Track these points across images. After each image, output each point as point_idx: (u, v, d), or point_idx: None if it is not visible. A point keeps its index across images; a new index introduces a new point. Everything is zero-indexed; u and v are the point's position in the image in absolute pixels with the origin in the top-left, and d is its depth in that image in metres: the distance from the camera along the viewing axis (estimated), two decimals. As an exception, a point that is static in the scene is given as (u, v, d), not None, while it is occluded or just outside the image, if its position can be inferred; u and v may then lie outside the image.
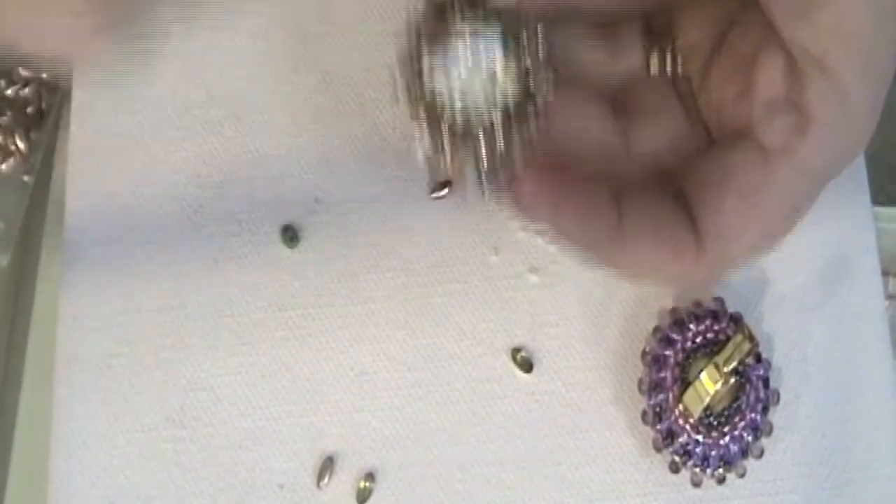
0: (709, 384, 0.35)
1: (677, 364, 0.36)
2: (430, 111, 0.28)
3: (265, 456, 0.37)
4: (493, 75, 0.28)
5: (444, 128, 0.28)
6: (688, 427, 0.36)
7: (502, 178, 0.29)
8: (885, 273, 0.40)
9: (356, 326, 0.38)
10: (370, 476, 0.37)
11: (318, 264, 0.39)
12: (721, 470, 0.36)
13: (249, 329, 0.38)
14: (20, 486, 0.39)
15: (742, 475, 0.37)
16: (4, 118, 0.40)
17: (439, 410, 0.38)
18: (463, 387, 0.38)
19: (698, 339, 0.37)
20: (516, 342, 0.38)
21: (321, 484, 0.37)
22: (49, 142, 0.41)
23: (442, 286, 0.39)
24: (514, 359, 0.38)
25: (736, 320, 0.37)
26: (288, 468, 0.37)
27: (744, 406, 0.36)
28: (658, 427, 0.36)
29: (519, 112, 0.28)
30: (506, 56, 0.28)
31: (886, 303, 0.41)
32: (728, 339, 0.36)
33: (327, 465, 0.37)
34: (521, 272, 0.39)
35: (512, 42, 0.28)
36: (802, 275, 0.39)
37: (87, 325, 0.38)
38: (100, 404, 0.38)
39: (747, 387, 0.36)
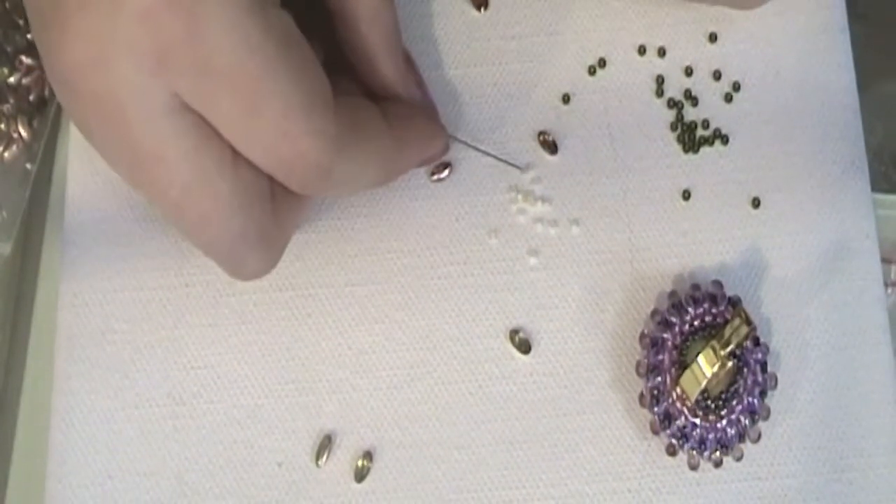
0: (706, 367, 0.35)
1: (675, 347, 0.37)
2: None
3: (264, 434, 0.38)
4: None
5: None
6: (685, 410, 0.36)
7: None
8: (886, 261, 0.40)
9: (356, 307, 0.39)
10: (368, 455, 0.37)
11: (318, 245, 0.39)
12: (718, 453, 0.36)
13: (250, 308, 0.39)
14: (24, 470, 0.40)
15: (739, 459, 0.37)
16: (7, 106, 0.40)
17: (437, 390, 0.38)
18: (461, 367, 0.38)
19: (696, 323, 0.37)
20: (514, 324, 0.38)
21: (319, 462, 0.37)
22: (51, 129, 0.41)
23: (441, 268, 0.39)
24: (513, 340, 0.38)
25: (734, 304, 0.37)
26: (286, 446, 0.38)
27: (741, 390, 0.36)
28: (655, 409, 0.36)
29: None
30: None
31: (889, 290, 0.41)
32: (726, 322, 0.36)
33: (325, 444, 0.37)
34: (519, 254, 0.39)
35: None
36: (802, 260, 0.39)
37: (87, 301, 0.39)
38: (100, 380, 0.38)
39: (745, 370, 0.36)
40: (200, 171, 0.30)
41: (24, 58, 0.41)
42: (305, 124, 0.30)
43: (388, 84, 0.36)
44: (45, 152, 0.41)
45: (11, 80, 0.40)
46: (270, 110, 0.29)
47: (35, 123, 0.41)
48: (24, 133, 0.40)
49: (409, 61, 0.38)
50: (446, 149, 0.38)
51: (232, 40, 0.28)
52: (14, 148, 0.40)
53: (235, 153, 0.30)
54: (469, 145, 0.39)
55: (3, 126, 0.40)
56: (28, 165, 0.40)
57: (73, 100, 0.30)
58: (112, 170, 0.32)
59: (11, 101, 0.40)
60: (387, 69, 0.36)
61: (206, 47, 0.28)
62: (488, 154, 0.39)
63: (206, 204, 0.30)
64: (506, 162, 0.39)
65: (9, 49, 0.41)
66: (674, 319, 0.37)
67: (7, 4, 0.41)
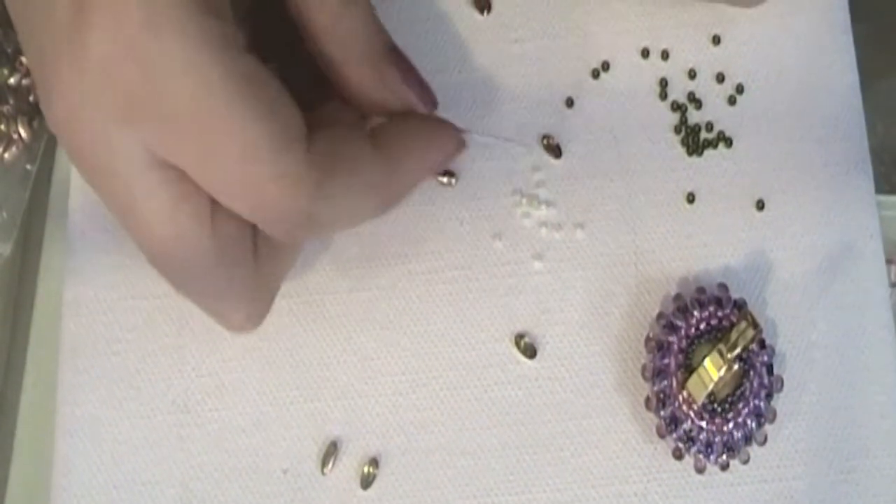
0: (712, 370, 0.35)
1: (681, 350, 0.36)
2: None
3: (269, 441, 0.38)
4: None
5: None
6: (691, 413, 0.36)
7: None
8: (889, 261, 0.40)
9: (360, 313, 0.38)
10: (374, 461, 0.37)
11: (321, 251, 0.39)
12: (725, 456, 0.36)
13: (254, 315, 0.38)
14: (24, 471, 0.40)
15: (746, 461, 0.37)
16: (7, 106, 0.40)
17: (443, 396, 0.38)
18: (466, 372, 0.38)
19: (702, 326, 0.37)
20: (520, 328, 0.38)
21: (325, 469, 0.37)
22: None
23: (445, 272, 0.39)
24: (518, 345, 0.38)
25: (740, 307, 0.37)
26: (292, 453, 0.37)
27: (747, 392, 0.36)
28: (662, 413, 0.36)
29: None
30: None
31: (892, 291, 0.41)
32: (732, 325, 0.36)
33: (331, 451, 0.37)
34: (524, 258, 0.39)
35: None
36: (806, 262, 0.39)
37: (91, 310, 0.38)
38: (104, 390, 0.38)
39: (751, 373, 0.36)
40: (178, 227, 0.29)
41: (24, 58, 0.41)
42: (270, 168, 0.29)
43: (366, 93, 0.34)
44: (45, 153, 0.41)
45: (11, 80, 0.40)
46: (231, 156, 0.28)
47: (35, 124, 0.41)
48: (24, 134, 0.40)
49: (394, 57, 0.34)
50: (461, 146, 0.36)
51: (188, 84, 0.27)
52: (14, 148, 0.40)
53: (215, 208, 0.29)
54: (476, 136, 0.39)
55: (3, 127, 0.40)
56: (28, 166, 0.40)
57: (67, 153, 0.30)
58: None
59: (11, 101, 0.40)
60: (358, 77, 0.33)
61: (163, 93, 0.27)
62: (496, 138, 0.39)
63: (185, 261, 0.30)
64: (512, 141, 0.39)
65: (9, 50, 0.41)
66: (679, 323, 0.37)
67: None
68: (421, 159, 0.35)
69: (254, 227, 0.31)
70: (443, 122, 0.36)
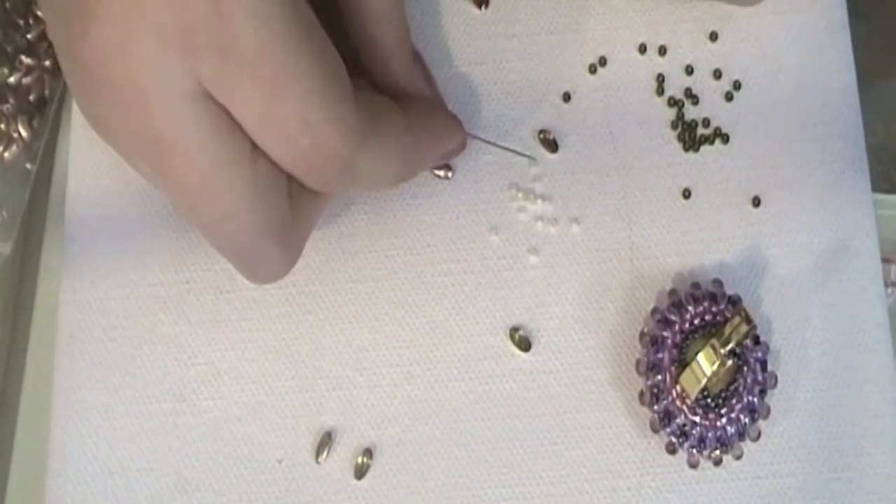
0: (706, 365, 0.35)
1: (675, 345, 0.37)
2: None
3: (264, 430, 0.38)
4: None
5: None
6: (685, 408, 0.36)
7: None
8: (886, 260, 0.40)
9: (356, 304, 0.39)
10: (368, 452, 0.37)
11: (318, 242, 0.39)
12: (718, 451, 0.36)
13: (250, 305, 0.39)
14: (24, 471, 0.40)
15: (739, 457, 0.37)
16: (7, 105, 0.40)
17: (437, 388, 0.38)
18: (461, 365, 0.38)
19: (696, 321, 0.37)
20: (515, 321, 0.38)
21: (319, 459, 0.38)
22: (51, 129, 0.41)
23: (441, 265, 0.39)
24: (513, 338, 0.38)
25: (734, 303, 0.37)
26: (286, 443, 0.38)
27: (741, 388, 0.36)
28: (655, 408, 0.36)
29: None
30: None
31: (889, 290, 0.41)
32: (726, 320, 0.36)
33: (325, 441, 0.38)
34: (520, 252, 0.39)
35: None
36: (802, 259, 0.39)
37: (88, 298, 0.39)
38: (100, 377, 0.38)
39: (745, 369, 0.36)
40: (219, 161, 0.29)
41: (24, 58, 0.41)
42: (326, 112, 0.30)
43: (397, 81, 0.36)
44: (45, 152, 0.41)
45: (11, 80, 0.40)
46: (291, 97, 0.29)
47: (35, 123, 0.41)
48: (24, 133, 0.40)
49: (418, 59, 0.38)
50: (464, 144, 0.38)
51: (256, 24, 0.28)
52: (14, 148, 0.40)
53: (255, 147, 0.30)
54: (481, 139, 0.39)
55: (3, 126, 0.40)
56: (28, 165, 0.40)
57: (94, 92, 0.30)
58: (130, 166, 0.32)
59: (11, 101, 0.40)
60: (396, 67, 0.36)
61: (230, 30, 0.28)
62: (501, 147, 0.39)
63: (224, 197, 0.30)
64: (517, 152, 0.39)
65: (9, 49, 0.41)
66: (674, 318, 0.37)
67: (7, 5, 0.41)
68: (436, 145, 0.37)
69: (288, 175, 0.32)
70: (456, 119, 0.38)
